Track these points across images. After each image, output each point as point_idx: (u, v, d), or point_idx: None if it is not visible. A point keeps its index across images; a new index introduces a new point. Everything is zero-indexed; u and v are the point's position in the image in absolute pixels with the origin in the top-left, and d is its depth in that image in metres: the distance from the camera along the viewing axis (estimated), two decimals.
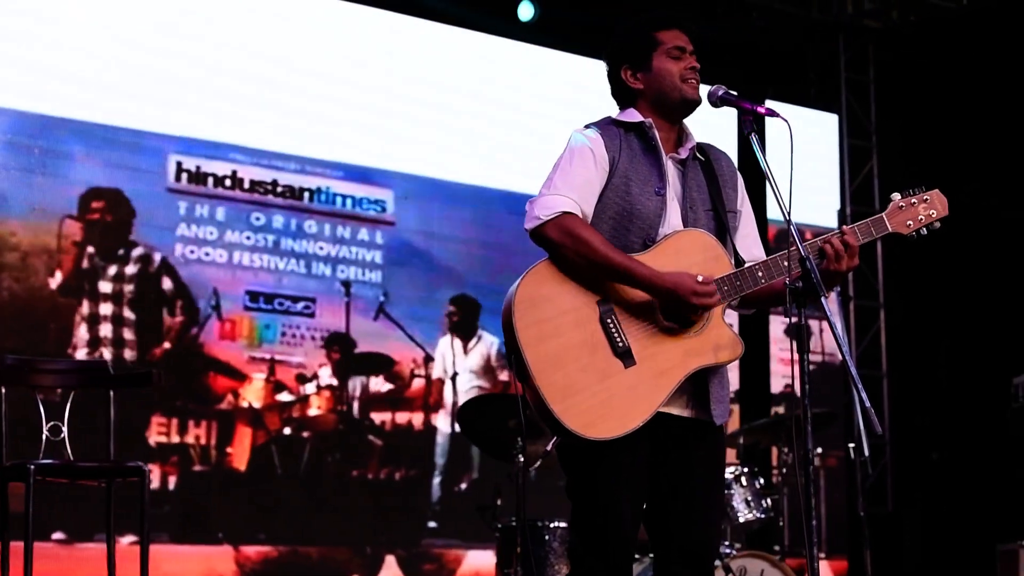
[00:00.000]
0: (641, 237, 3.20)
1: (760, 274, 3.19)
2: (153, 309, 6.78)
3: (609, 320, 3.12)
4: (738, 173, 3.45)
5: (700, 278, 3.12)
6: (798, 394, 2.97)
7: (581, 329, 3.10)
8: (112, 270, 6.67)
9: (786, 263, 3.13)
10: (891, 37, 9.17)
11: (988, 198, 8.41)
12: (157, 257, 6.79)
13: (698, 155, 3.36)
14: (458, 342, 7.64)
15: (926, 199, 3.31)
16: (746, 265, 3.22)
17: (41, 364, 4.94)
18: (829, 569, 8.54)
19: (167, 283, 6.81)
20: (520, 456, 4.97)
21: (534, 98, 8.00)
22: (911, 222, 3.28)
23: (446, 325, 7.64)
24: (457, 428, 7.32)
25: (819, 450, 7.25)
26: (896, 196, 3.31)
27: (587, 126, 3.33)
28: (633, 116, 3.32)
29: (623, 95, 3.39)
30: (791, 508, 5.94)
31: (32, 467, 4.25)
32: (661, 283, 3.09)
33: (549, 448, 5.03)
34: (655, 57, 3.30)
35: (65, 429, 4.62)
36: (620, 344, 3.10)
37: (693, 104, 3.30)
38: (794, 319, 3.00)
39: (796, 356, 2.98)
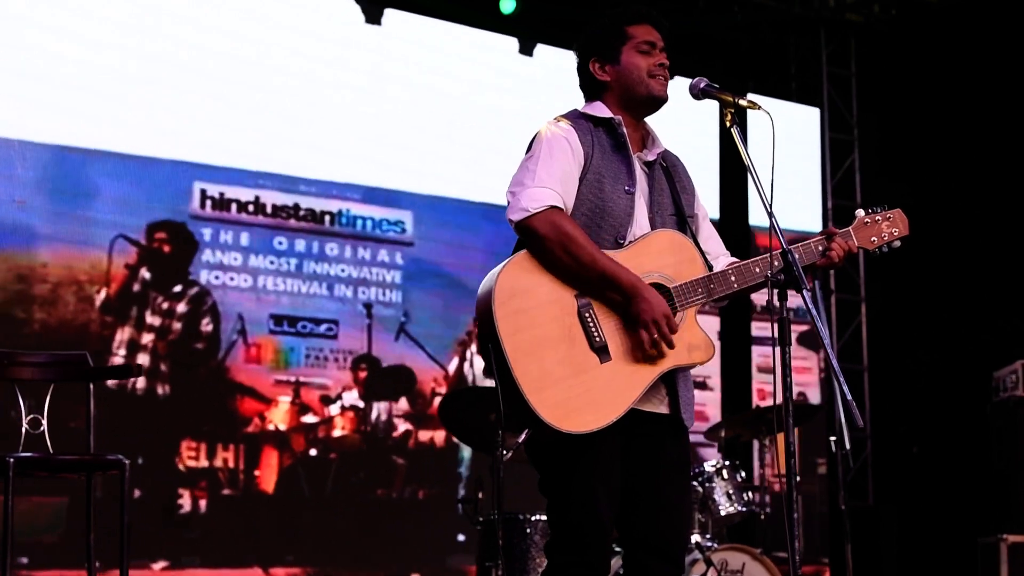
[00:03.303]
0: (612, 235, 3.20)
1: (733, 279, 3.22)
2: (190, 341, 6.86)
3: (587, 314, 3.11)
4: (691, 178, 3.47)
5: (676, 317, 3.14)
6: (780, 387, 2.97)
7: (559, 322, 3.10)
8: (163, 303, 6.74)
9: (758, 269, 3.18)
10: (873, 31, 9.16)
11: (971, 191, 8.42)
12: (198, 291, 6.88)
13: (662, 160, 3.38)
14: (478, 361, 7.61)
15: (889, 217, 3.39)
16: (719, 270, 3.26)
17: (20, 356, 4.87)
18: None
19: (204, 314, 6.90)
20: (502, 449, 4.92)
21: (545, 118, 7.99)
22: (875, 238, 3.36)
23: (464, 345, 7.65)
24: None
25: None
26: (860, 212, 3.38)
27: (557, 119, 3.32)
28: (601, 110, 3.32)
29: (590, 87, 3.39)
30: (772, 507, 5.92)
31: (11, 460, 4.14)
32: (639, 295, 3.09)
33: (520, 440, 4.88)
34: (624, 51, 3.30)
35: (45, 422, 4.53)
36: (597, 339, 3.10)
37: (659, 101, 3.31)
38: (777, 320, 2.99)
39: (778, 347, 2.97)
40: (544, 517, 5.20)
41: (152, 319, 6.73)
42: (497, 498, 4.91)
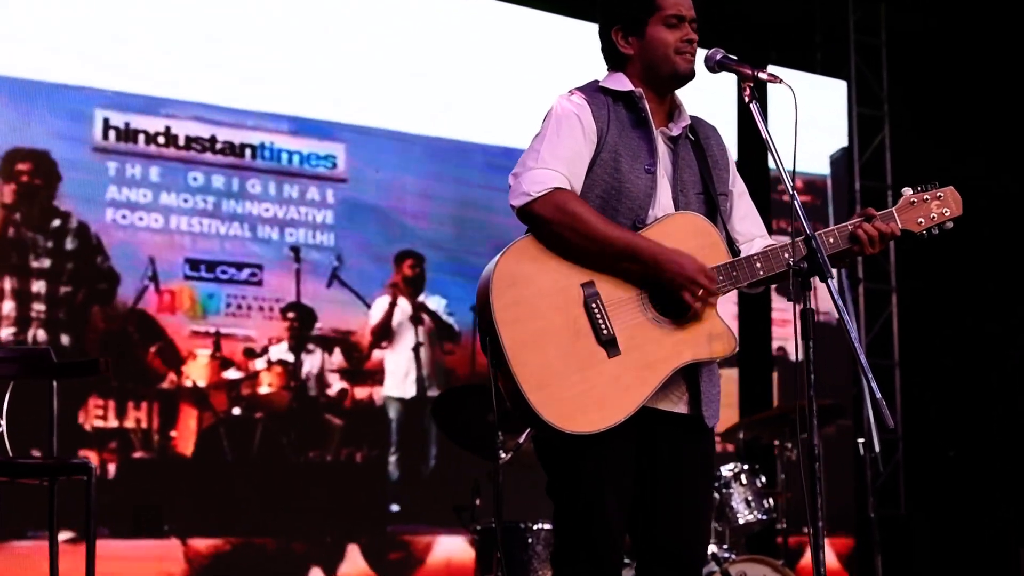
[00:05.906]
0: (630, 218, 3.11)
1: (759, 265, 3.14)
2: (88, 285, 6.53)
3: (594, 305, 3.02)
4: (727, 150, 3.38)
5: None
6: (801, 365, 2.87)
7: (563, 313, 3.00)
8: (46, 243, 6.41)
9: (787, 255, 3.08)
10: None
11: (1012, 171, 8.26)
12: (93, 228, 6.52)
13: (689, 134, 3.29)
14: (406, 302, 7.41)
15: (939, 196, 3.30)
16: (743, 256, 3.17)
17: None
18: (831, 549, 8.43)
19: (101, 255, 6.55)
20: (501, 452, 4.78)
21: (494, 49, 7.73)
22: (923, 219, 3.26)
23: (396, 284, 7.40)
24: (410, 395, 7.31)
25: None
26: (908, 191, 3.28)
27: (572, 92, 3.22)
28: (622, 83, 3.22)
29: (612, 57, 3.29)
30: (792, 485, 5.83)
31: None
32: (666, 260, 3.02)
33: (522, 441, 4.90)
34: (651, 23, 3.20)
35: (3, 423, 4.43)
36: (605, 332, 3.00)
37: (685, 79, 3.22)
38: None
39: (801, 343, 2.87)
40: (547, 526, 5.16)
41: (38, 263, 6.42)
42: (497, 507, 4.76)
